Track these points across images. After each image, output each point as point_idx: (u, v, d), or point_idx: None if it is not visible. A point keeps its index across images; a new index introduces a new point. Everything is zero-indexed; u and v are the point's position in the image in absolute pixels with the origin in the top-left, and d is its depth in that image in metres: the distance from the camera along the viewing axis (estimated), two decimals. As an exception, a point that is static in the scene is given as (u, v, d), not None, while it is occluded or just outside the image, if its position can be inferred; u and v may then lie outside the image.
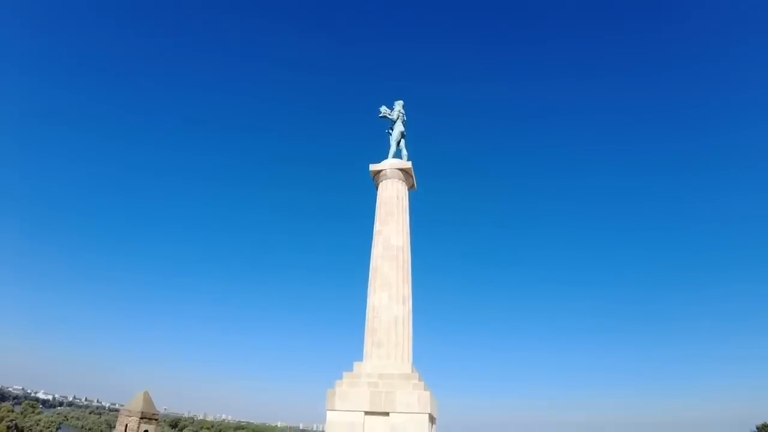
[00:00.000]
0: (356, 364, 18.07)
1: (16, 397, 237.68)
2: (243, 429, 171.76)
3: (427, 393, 16.43)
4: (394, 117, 22.73)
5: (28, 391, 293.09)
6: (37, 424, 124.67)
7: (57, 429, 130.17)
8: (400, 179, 21.21)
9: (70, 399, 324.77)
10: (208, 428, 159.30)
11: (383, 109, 22.89)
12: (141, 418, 27.07)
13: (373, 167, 21.61)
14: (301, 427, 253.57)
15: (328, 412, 16.72)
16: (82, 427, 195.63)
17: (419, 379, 17.21)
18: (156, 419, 28.83)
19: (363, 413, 16.38)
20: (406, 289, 19.25)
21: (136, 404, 27.71)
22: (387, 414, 16.19)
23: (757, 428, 44.26)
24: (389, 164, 21.40)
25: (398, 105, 23.06)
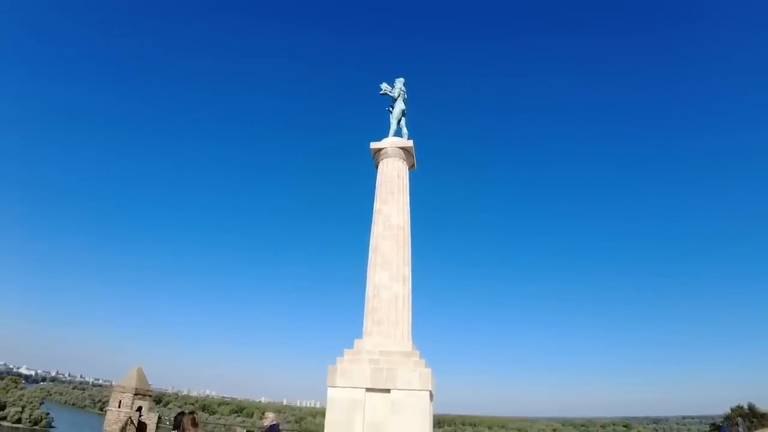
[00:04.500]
0: (357, 342, 18.13)
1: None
2: (227, 404, 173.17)
3: (428, 371, 16.62)
4: (395, 94, 22.35)
5: (10, 366, 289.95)
6: (20, 399, 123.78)
7: (40, 404, 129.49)
8: (400, 158, 21.02)
9: (53, 374, 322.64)
10: (192, 404, 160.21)
11: (384, 86, 22.49)
12: (135, 395, 26.98)
13: (373, 145, 21.36)
14: (284, 403, 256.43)
15: (329, 389, 16.79)
16: (66, 402, 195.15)
17: (420, 357, 17.38)
18: (150, 395, 28.77)
19: (364, 390, 16.50)
20: (406, 269, 19.27)
21: (130, 381, 27.57)
22: (388, 391, 16.34)
23: (731, 410, 46.26)
24: (390, 143, 21.17)
25: (399, 82, 22.65)
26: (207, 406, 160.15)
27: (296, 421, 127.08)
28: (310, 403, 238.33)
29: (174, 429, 8.46)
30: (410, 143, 21.22)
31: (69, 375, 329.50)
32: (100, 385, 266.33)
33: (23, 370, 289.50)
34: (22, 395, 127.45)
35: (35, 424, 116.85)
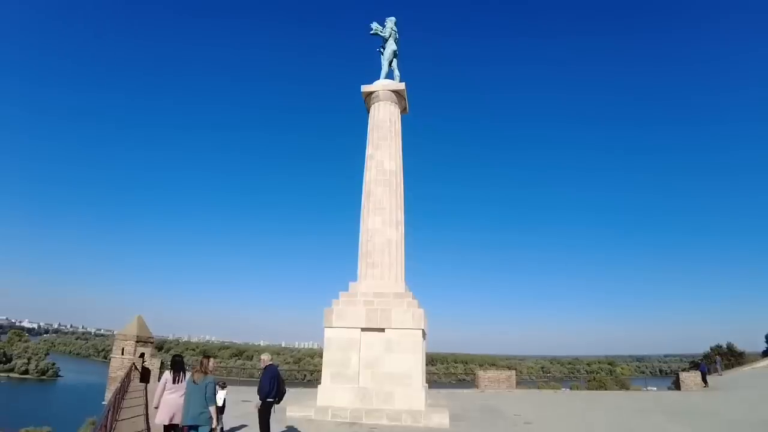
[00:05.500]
0: (352, 284, 18.50)
1: (0, 327, 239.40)
2: (227, 348, 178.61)
3: (421, 311, 17.11)
4: (386, 35, 21.46)
5: (13, 320, 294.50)
6: (26, 352, 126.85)
7: (45, 355, 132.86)
8: (392, 101, 20.56)
9: (56, 327, 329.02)
10: (193, 349, 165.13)
11: (374, 26, 21.56)
12: (137, 342, 27.71)
13: (365, 88, 20.79)
14: (283, 345, 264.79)
15: (326, 329, 17.26)
16: (70, 352, 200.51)
17: (413, 298, 17.84)
18: (151, 342, 29.54)
19: (360, 330, 17.02)
20: (399, 213, 19.36)
21: (131, 329, 28.22)
22: (383, 330, 16.87)
23: (711, 349, 48.41)
24: (381, 86, 20.61)
25: (390, 22, 21.69)
26: (207, 350, 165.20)
27: (295, 362, 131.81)
28: (308, 345, 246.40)
29: (170, 368, 8.76)
30: (402, 86, 20.69)
31: (71, 326, 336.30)
32: (102, 335, 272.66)
33: (26, 324, 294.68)
34: (27, 347, 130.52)
35: (42, 374, 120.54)
